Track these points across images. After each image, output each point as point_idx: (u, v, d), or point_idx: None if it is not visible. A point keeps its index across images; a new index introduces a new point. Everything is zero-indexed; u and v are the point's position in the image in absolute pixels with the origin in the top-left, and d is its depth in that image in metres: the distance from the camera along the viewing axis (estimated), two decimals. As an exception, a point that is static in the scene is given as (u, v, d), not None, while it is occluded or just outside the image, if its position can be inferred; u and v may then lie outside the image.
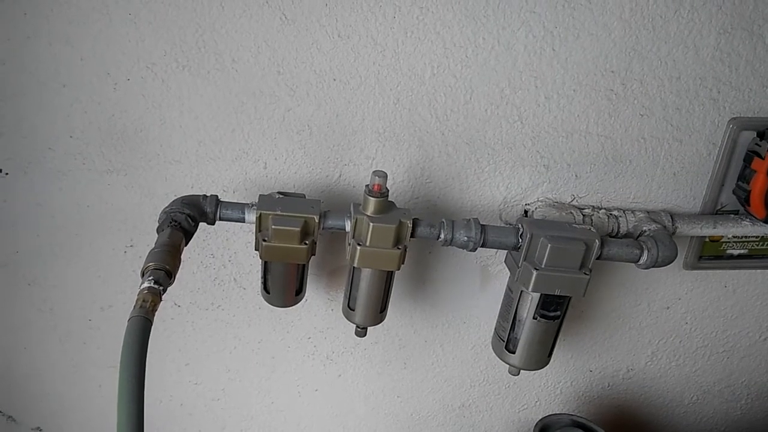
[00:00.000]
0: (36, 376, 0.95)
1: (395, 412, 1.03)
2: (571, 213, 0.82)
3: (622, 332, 0.98)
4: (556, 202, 0.85)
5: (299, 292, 0.77)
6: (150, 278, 0.54)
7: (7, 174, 0.77)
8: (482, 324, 0.95)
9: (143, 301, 0.52)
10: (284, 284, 0.75)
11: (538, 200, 0.85)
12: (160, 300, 0.54)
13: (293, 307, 0.82)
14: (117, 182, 0.79)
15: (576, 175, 0.83)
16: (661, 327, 0.98)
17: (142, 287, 0.54)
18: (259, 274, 0.78)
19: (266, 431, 1.03)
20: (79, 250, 0.84)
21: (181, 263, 0.85)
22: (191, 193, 0.74)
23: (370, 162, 0.80)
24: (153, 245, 0.63)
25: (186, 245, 0.65)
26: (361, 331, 0.79)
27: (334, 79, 0.74)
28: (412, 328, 0.95)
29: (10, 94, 0.72)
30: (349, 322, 0.80)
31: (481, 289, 0.92)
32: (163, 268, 0.56)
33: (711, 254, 0.91)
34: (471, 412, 1.04)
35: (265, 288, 0.76)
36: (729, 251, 0.91)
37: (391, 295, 0.79)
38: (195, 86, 0.73)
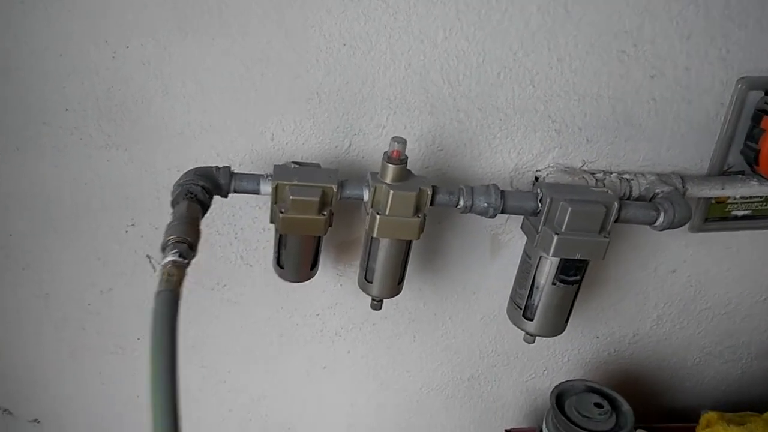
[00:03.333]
0: (32, 366, 0.91)
1: (404, 386, 1.02)
2: (584, 178, 0.81)
3: (630, 297, 0.99)
4: (567, 168, 0.84)
5: (314, 266, 0.75)
6: (174, 251, 0.51)
7: (-2, 151, 0.73)
8: (492, 294, 0.94)
9: (168, 275, 0.49)
10: (300, 258, 0.72)
11: (549, 166, 0.84)
12: (185, 274, 0.51)
13: (301, 283, 0.79)
14: (116, 158, 0.75)
15: (587, 140, 0.82)
16: (667, 291, 0.99)
17: (165, 261, 0.51)
18: (272, 249, 0.75)
19: (274, 411, 1.01)
20: (76, 231, 0.80)
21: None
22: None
23: (381, 131, 0.78)
24: (164, 220, 0.60)
25: (202, 218, 0.62)
26: (377, 304, 0.77)
27: (344, 44, 0.72)
28: (422, 301, 0.94)
29: (1, 65, 0.67)
30: (358, 297, 0.78)
31: (491, 258, 0.91)
32: (185, 240, 0.53)
33: (716, 216, 0.91)
34: (480, 383, 1.04)
35: (279, 263, 0.74)
36: (734, 212, 0.91)
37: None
38: (199, 53, 0.70)
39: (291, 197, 0.65)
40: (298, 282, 0.76)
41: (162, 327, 0.46)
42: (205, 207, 0.62)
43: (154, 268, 0.84)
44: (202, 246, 0.82)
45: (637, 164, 0.86)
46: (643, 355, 1.06)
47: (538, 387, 1.05)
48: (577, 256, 0.72)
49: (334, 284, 0.89)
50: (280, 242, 0.72)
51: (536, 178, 0.84)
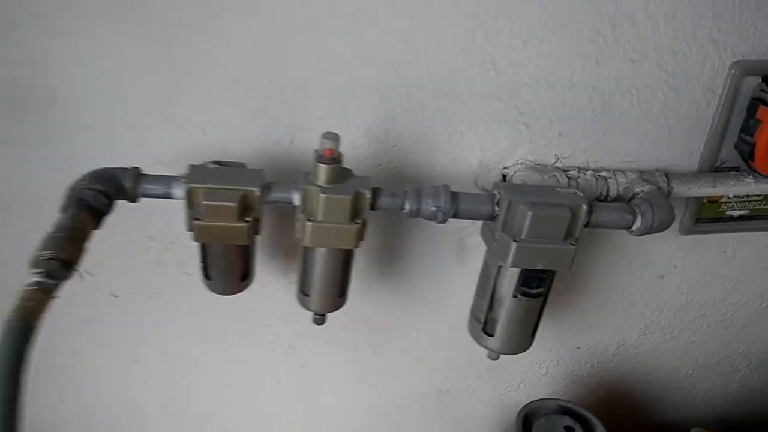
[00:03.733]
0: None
1: (367, 402, 0.94)
2: (555, 176, 0.72)
3: (613, 305, 0.90)
4: (538, 165, 0.75)
5: (246, 276, 0.67)
6: (40, 271, 0.44)
7: None
8: (460, 302, 0.85)
9: (26, 300, 0.41)
10: (226, 269, 0.64)
11: (517, 163, 0.75)
12: (51, 298, 0.43)
13: (249, 293, 0.71)
14: (23, 158, 0.67)
15: (560, 133, 0.74)
16: (655, 298, 0.90)
17: (28, 282, 0.43)
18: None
19: (228, 427, 0.94)
20: (-7, 235, 0.73)
21: (117, 248, 0.75)
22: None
23: (325, 124, 0.69)
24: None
25: (97, 228, 0.54)
26: (320, 318, 0.69)
27: (275, 26, 0.63)
28: (382, 310, 0.86)
29: None
30: (310, 308, 0.70)
31: (457, 264, 0.83)
32: (58, 257, 0.45)
33: (709, 216, 0.82)
34: (450, 398, 0.95)
35: (206, 274, 0.66)
36: (729, 213, 0.82)
37: (357, 274, 0.70)
38: (107, 39, 0.62)
39: (204, 202, 0.56)
40: (229, 294, 0.68)
41: (3, 368, 0.38)
42: (99, 215, 0.54)
43: (81, 276, 0.76)
44: (135, 252, 0.76)
45: (617, 160, 0.77)
46: (629, 367, 0.97)
47: (514, 401, 0.97)
48: (539, 267, 0.63)
49: (285, 293, 0.81)
50: (204, 252, 0.64)
51: (504, 177, 0.75)
